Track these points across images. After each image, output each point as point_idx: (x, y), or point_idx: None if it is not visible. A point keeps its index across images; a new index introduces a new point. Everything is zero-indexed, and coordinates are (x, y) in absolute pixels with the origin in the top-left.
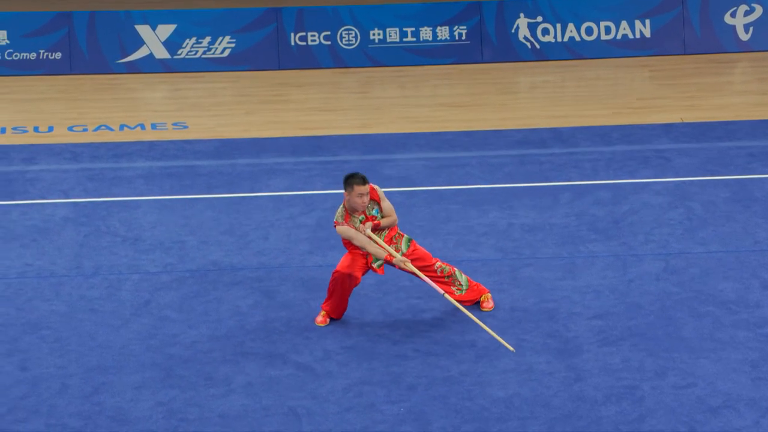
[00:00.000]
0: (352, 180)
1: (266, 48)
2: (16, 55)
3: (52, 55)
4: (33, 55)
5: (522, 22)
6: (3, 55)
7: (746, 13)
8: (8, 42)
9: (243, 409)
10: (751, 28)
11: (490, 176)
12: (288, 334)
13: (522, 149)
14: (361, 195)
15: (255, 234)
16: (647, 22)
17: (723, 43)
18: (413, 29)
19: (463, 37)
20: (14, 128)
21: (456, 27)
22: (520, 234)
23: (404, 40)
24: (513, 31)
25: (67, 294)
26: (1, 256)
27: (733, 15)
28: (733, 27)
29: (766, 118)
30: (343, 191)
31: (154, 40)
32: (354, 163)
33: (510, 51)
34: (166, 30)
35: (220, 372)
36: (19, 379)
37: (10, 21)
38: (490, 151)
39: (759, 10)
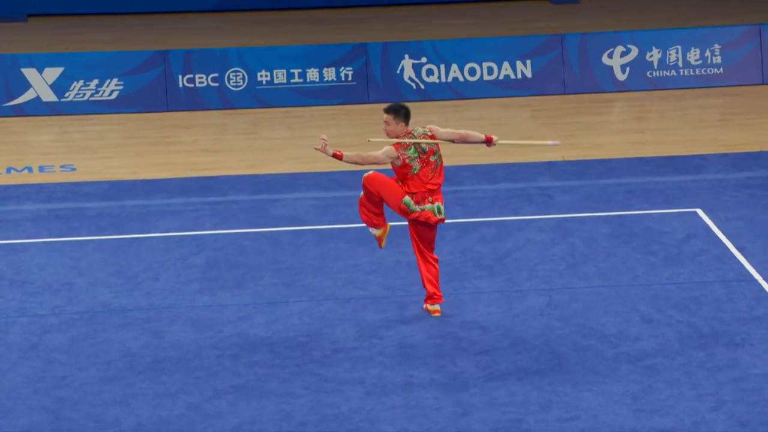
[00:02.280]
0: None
1: (154, 90)
2: None
3: None
4: None
5: (407, 63)
6: None
7: (622, 54)
8: None
9: None
10: (628, 69)
11: None
12: (178, 374)
13: None
14: (384, 122)
15: (145, 275)
16: (528, 62)
17: (601, 82)
18: (300, 70)
19: (350, 78)
20: None
21: (342, 68)
22: (408, 271)
23: (291, 81)
24: (398, 71)
25: None
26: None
27: (610, 56)
28: (611, 67)
29: (642, 155)
30: None
31: (41, 83)
32: (243, 203)
33: (395, 91)
34: (53, 73)
35: (110, 413)
36: None
37: None
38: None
39: (635, 51)
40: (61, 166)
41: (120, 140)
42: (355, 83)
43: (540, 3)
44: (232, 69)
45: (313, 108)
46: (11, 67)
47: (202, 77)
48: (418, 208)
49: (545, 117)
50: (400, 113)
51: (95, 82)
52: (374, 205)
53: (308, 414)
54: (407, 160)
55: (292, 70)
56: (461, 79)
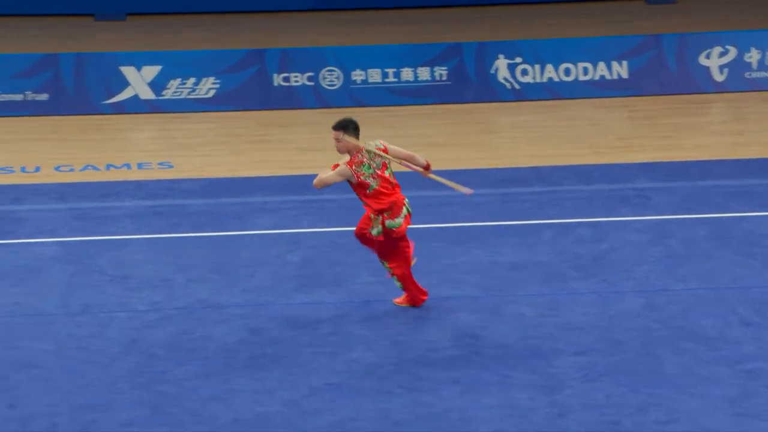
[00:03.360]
0: None
1: (250, 88)
2: (2, 97)
3: (38, 96)
4: (20, 97)
5: (501, 63)
6: None
7: (720, 55)
8: None
9: None
10: (726, 69)
11: (473, 214)
12: (275, 371)
13: (504, 188)
14: (334, 139)
15: (242, 272)
16: (624, 63)
17: (698, 83)
18: (395, 70)
19: (444, 78)
20: (2, 168)
21: (437, 68)
22: (503, 271)
23: (386, 80)
24: (492, 71)
25: (56, 332)
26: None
27: (707, 56)
28: (708, 68)
29: (741, 157)
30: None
31: (139, 81)
32: (339, 202)
33: (490, 91)
34: (151, 71)
35: (208, 409)
36: (8, 418)
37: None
38: (472, 189)
39: (733, 52)
40: (159, 164)
41: (217, 138)
42: (449, 83)
43: (636, 3)
44: (327, 68)
45: (408, 107)
46: (111, 66)
47: (297, 76)
48: (400, 220)
49: (642, 118)
50: (350, 128)
51: (192, 80)
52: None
53: (404, 413)
54: (362, 178)
55: (386, 70)
56: (556, 79)
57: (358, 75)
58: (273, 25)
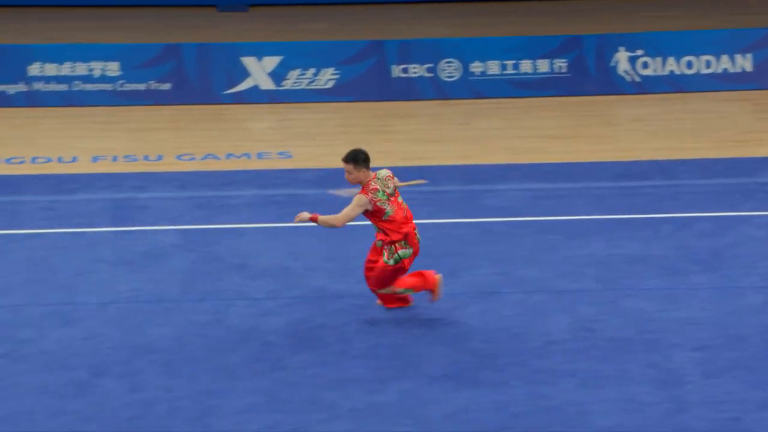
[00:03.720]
0: None
1: (369, 79)
2: (127, 86)
3: (162, 86)
4: (143, 86)
5: (622, 56)
6: (115, 86)
7: None
8: (120, 73)
9: None
10: None
11: (591, 207)
12: (392, 360)
13: (623, 181)
14: (345, 172)
15: (358, 261)
16: (749, 56)
17: None
18: (514, 62)
19: (564, 70)
20: (126, 156)
21: (556, 60)
22: (621, 265)
23: (505, 72)
24: (612, 64)
25: (176, 319)
26: (112, 281)
27: None
28: None
29: None
30: None
31: (259, 71)
32: (456, 193)
33: (609, 84)
34: (271, 62)
35: (326, 397)
36: (129, 401)
37: (123, 52)
38: (591, 182)
39: None
40: (278, 153)
41: (336, 128)
42: (569, 75)
43: None
44: (446, 59)
45: (526, 99)
46: (232, 56)
47: (416, 68)
48: (410, 250)
49: (766, 111)
50: (359, 159)
51: (312, 71)
52: (405, 282)
53: (521, 405)
54: (379, 204)
55: (505, 62)
56: (678, 71)
57: (476, 67)
58: (393, 17)
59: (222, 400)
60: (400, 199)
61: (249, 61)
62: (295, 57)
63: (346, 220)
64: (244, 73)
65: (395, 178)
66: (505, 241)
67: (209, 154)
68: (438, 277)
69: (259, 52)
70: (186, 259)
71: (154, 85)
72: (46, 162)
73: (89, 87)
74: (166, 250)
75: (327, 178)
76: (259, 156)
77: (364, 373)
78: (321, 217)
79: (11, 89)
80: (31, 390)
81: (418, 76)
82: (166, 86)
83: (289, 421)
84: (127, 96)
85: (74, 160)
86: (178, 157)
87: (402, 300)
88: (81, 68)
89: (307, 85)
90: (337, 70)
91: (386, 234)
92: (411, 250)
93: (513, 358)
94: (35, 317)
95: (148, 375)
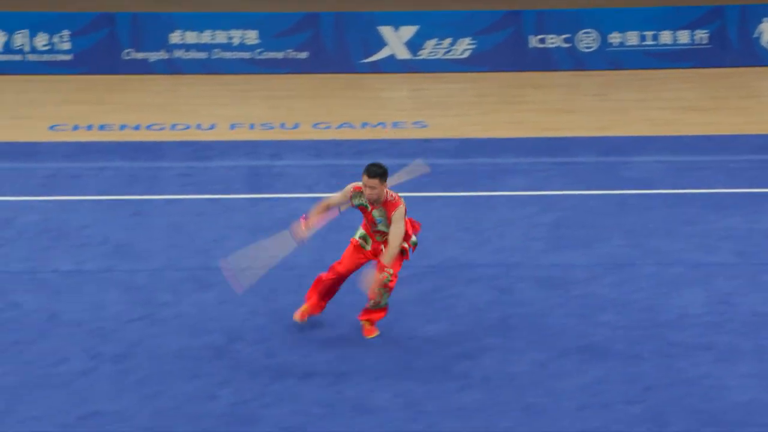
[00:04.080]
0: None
1: (506, 49)
2: (265, 55)
3: (299, 54)
4: (281, 55)
5: (765, 27)
6: (253, 54)
7: None
8: (259, 41)
9: (480, 404)
10: None
11: (730, 181)
12: (525, 331)
13: (764, 154)
14: (366, 186)
15: (492, 232)
16: None
17: None
18: (653, 33)
19: (704, 41)
20: (262, 124)
21: (697, 31)
22: (761, 239)
23: (644, 43)
24: (756, 35)
25: (308, 285)
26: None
27: None
28: None
29: None
30: None
31: (396, 41)
32: (591, 164)
33: (752, 56)
34: (408, 31)
35: (459, 366)
36: (266, 366)
37: (262, 21)
38: (730, 155)
39: None
40: (414, 123)
41: (471, 98)
42: (709, 46)
43: None
44: (584, 30)
45: (666, 71)
46: (368, 25)
47: (553, 38)
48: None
49: None
50: (385, 177)
51: (449, 40)
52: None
53: (655, 377)
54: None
55: (644, 33)
56: None
57: (615, 37)
58: None
59: (355, 367)
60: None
61: (386, 31)
62: (431, 27)
63: (403, 239)
64: (381, 43)
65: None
66: (640, 214)
67: (345, 123)
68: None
69: (396, 21)
70: (322, 227)
71: (291, 53)
72: (185, 129)
73: (228, 55)
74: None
75: (461, 147)
76: (394, 125)
77: (496, 343)
78: (387, 261)
79: (153, 57)
80: (168, 353)
81: (555, 47)
82: (304, 55)
83: (421, 389)
84: (265, 64)
85: (212, 127)
86: (314, 125)
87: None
88: (221, 36)
89: (443, 54)
90: (473, 39)
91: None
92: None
93: (647, 330)
94: (173, 281)
95: (283, 340)
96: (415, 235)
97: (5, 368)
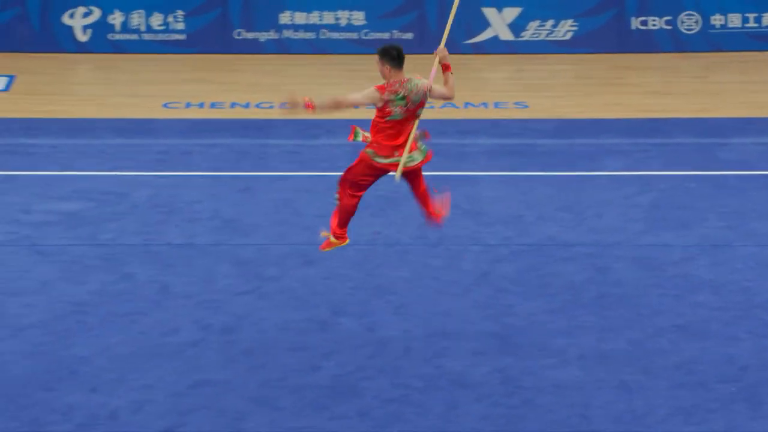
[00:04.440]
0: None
1: (607, 31)
2: (371, 35)
3: (404, 35)
4: (386, 35)
5: None
6: (360, 35)
7: None
8: (365, 22)
9: (576, 380)
10: None
11: None
12: (621, 310)
13: None
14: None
15: (590, 211)
16: None
17: None
18: (756, 15)
19: None
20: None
21: None
22: None
23: (746, 25)
24: None
25: (412, 262)
26: (352, 224)
27: None
28: None
29: None
30: None
31: (499, 22)
32: (690, 146)
33: None
34: (511, 13)
35: (555, 343)
36: (368, 340)
37: (368, 2)
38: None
39: None
40: (515, 103)
41: (572, 80)
42: None
43: None
44: (686, 12)
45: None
46: (472, 6)
47: (655, 20)
48: (383, 160)
49: None
50: (387, 55)
51: (551, 22)
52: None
53: (750, 358)
54: (390, 105)
55: (747, 14)
56: None
57: (717, 19)
58: None
59: (454, 342)
60: (419, 112)
61: (489, 12)
62: (534, 8)
63: (346, 106)
64: (484, 24)
65: (433, 88)
66: (738, 195)
67: (447, 103)
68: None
69: (500, 3)
70: None
71: (396, 34)
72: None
73: (335, 35)
74: (403, 195)
75: (562, 128)
76: (496, 105)
77: (593, 321)
78: (317, 102)
79: (263, 37)
80: (274, 325)
81: (657, 29)
82: (408, 35)
83: (518, 365)
84: (371, 44)
85: None
86: None
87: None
88: (328, 17)
89: (546, 36)
90: (575, 21)
91: (378, 136)
92: (378, 156)
93: (743, 311)
94: (279, 256)
95: (385, 315)
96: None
97: (118, 338)
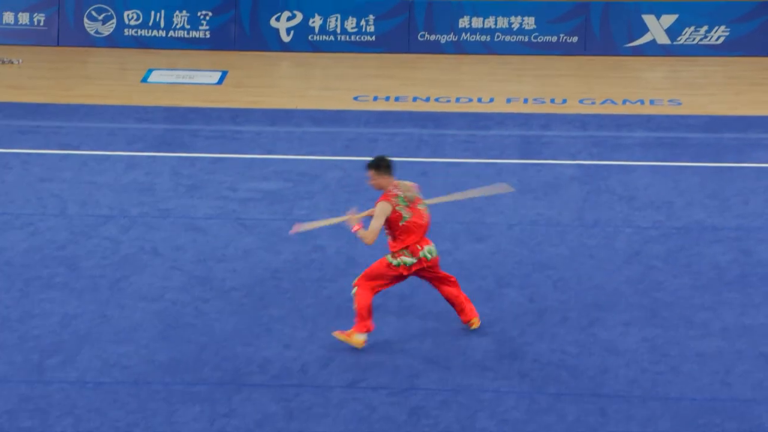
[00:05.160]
0: None
1: (758, 36)
2: (540, 38)
3: (570, 38)
4: (554, 38)
5: None
6: (529, 38)
7: None
8: (535, 26)
9: (718, 351)
10: None
11: None
12: (763, 288)
13: None
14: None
15: (736, 199)
16: None
17: None
18: None
19: None
20: (534, 99)
21: None
22: None
23: None
24: None
25: (570, 241)
26: (517, 206)
27: None
28: None
29: None
30: None
31: (657, 27)
32: None
33: None
34: (668, 19)
35: (699, 317)
36: (528, 309)
37: (538, 9)
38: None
39: None
40: (669, 101)
41: (722, 80)
42: None
43: None
44: None
45: None
46: (633, 14)
47: None
48: (413, 260)
49: None
50: (381, 166)
51: (705, 27)
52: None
53: None
54: (398, 209)
55: None
56: None
57: None
58: None
59: (606, 313)
60: (421, 207)
61: (648, 19)
62: (690, 15)
63: (375, 236)
64: (644, 29)
65: (419, 195)
66: None
67: (607, 99)
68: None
69: (658, 10)
70: (581, 189)
71: (563, 37)
72: (467, 102)
73: (507, 38)
74: (565, 181)
75: (712, 123)
76: (651, 102)
77: (736, 298)
78: (360, 232)
79: (443, 39)
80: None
81: None
82: (574, 39)
83: (665, 335)
84: (539, 46)
85: (491, 100)
86: (580, 101)
87: (359, 325)
88: (502, 22)
89: (699, 40)
90: (727, 27)
91: (395, 240)
92: (414, 260)
93: None
94: (451, 232)
95: (545, 288)
96: (423, 250)
97: (308, 301)
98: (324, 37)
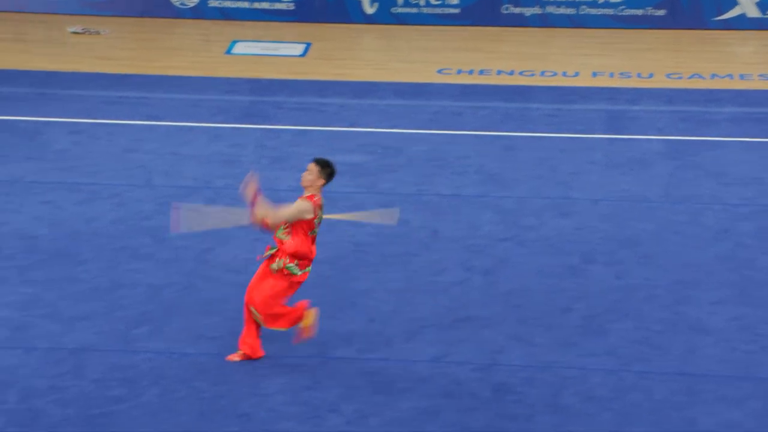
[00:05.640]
0: None
1: None
2: (627, 11)
3: (657, 12)
4: (641, 12)
5: None
6: (616, 11)
7: None
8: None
9: None
10: None
11: None
12: None
13: None
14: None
15: None
16: None
17: None
18: None
19: None
20: (621, 73)
21: None
22: None
23: None
24: None
25: (657, 217)
26: (602, 181)
27: None
28: None
29: None
30: None
31: (748, 1)
32: None
33: None
34: None
35: None
36: (615, 286)
37: None
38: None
39: None
40: (759, 75)
41: None
42: None
43: None
44: None
45: None
46: None
47: None
48: (301, 271)
49: None
50: (326, 170)
51: None
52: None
53: None
54: (315, 221)
55: None
56: None
57: None
58: None
59: (695, 291)
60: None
61: None
62: None
63: (279, 224)
64: (733, 2)
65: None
66: None
67: (695, 74)
68: (310, 311)
69: None
70: (669, 165)
71: (650, 11)
72: (552, 75)
73: (593, 11)
74: (652, 157)
75: None
76: (741, 77)
77: None
78: (265, 207)
79: (528, 12)
80: (530, 270)
81: None
82: (662, 12)
83: (754, 314)
84: (626, 20)
85: (576, 74)
86: (668, 75)
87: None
88: None
89: None
90: None
91: (295, 246)
92: (304, 275)
93: None
94: (536, 208)
95: (631, 264)
96: (303, 270)
97: (394, 275)
98: (408, 9)
